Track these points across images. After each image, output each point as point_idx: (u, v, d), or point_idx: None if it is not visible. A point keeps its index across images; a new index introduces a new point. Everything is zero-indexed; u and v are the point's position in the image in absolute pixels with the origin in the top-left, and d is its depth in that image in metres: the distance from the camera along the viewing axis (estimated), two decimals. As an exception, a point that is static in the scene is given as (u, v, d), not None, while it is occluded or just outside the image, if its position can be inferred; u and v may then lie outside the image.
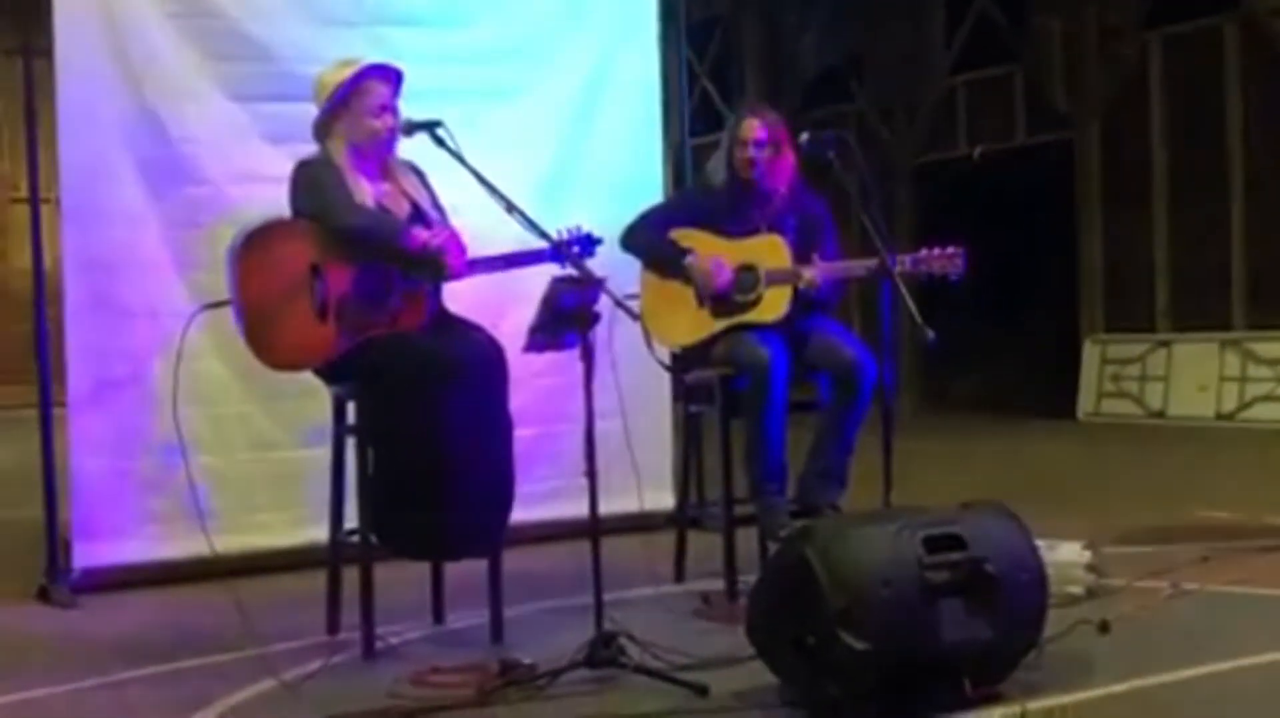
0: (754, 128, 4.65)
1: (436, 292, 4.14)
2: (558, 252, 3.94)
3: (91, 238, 4.96)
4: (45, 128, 4.87)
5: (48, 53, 4.88)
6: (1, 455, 8.25)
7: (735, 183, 4.70)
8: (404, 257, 3.98)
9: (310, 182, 4.03)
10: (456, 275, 4.06)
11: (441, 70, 5.31)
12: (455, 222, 4.18)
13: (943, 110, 12.40)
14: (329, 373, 4.08)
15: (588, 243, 4.13)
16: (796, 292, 4.57)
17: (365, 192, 4.07)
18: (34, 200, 4.91)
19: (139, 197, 5.04)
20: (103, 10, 4.96)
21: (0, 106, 12.97)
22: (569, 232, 4.08)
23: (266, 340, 3.92)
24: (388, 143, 4.14)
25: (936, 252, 4.46)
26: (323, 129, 4.13)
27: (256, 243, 3.94)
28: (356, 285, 3.97)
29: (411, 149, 4.18)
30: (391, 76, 4.16)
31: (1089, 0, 11.00)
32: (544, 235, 3.91)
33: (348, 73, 4.10)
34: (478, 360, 3.99)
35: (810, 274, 4.50)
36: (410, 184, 4.21)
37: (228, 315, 3.97)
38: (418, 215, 4.15)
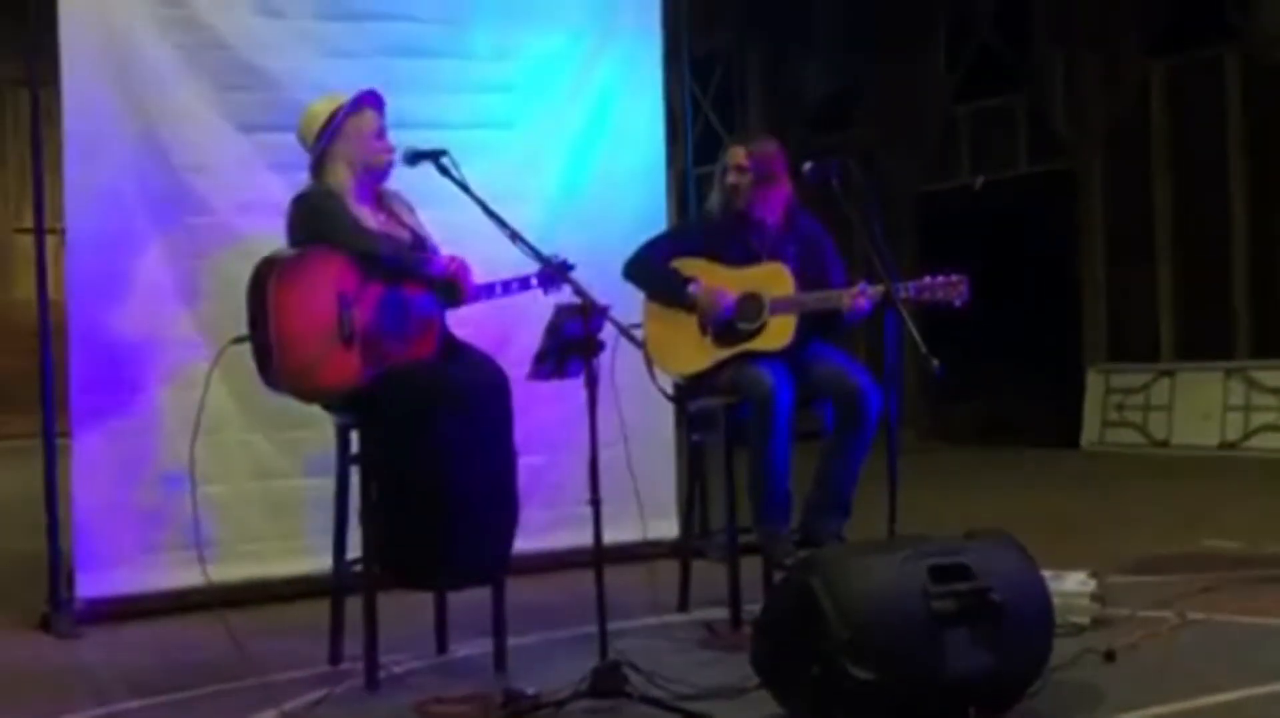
0: (737, 155, 4.69)
1: (444, 319, 4.16)
2: (546, 278, 3.95)
3: (96, 268, 4.97)
4: (51, 158, 4.89)
5: (54, 83, 4.90)
6: (5, 485, 8.24)
7: (731, 212, 4.72)
8: (431, 281, 4.01)
9: (319, 213, 4.04)
10: (468, 299, 4.10)
11: (445, 100, 5.35)
12: (454, 251, 4.19)
13: (945, 139, 12.43)
14: (334, 402, 4.07)
15: (562, 268, 4.12)
16: (801, 319, 4.58)
17: (370, 221, 4.09)
18: (39, 230, 4.92)
19: (144, 226, 5.05)
20: (108, 41, 4.98)
21: (6, 137, 13.02)
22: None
23: (300, 371, 3.89)
24: (386, 170, 4.17)
25: (940, 279, 4.46)
26: (324, 158, 4.13)
27: (288, 272, 3.92)
28: (380, 313, 3.99)
29: (413, 178, 4.19)
30: (380, 103, 4.18)
31: (1091, 30, 11.03)
32: (546, 263, 3.92)
33: (342, 100, 4.12)
34: (483, 388, 3.99)
35: (850, 298, 4.49)
36: (405, 214, 4.24)
37: (234, 347, 3.96)
38: (418, 244, 4.17)
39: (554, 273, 3.93)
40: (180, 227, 5.10)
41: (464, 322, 4.26)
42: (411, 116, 4.23)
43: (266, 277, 3.90)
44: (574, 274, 3.98)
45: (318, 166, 4.14)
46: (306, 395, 4.03)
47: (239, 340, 3.98)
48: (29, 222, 4.97)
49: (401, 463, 3.89)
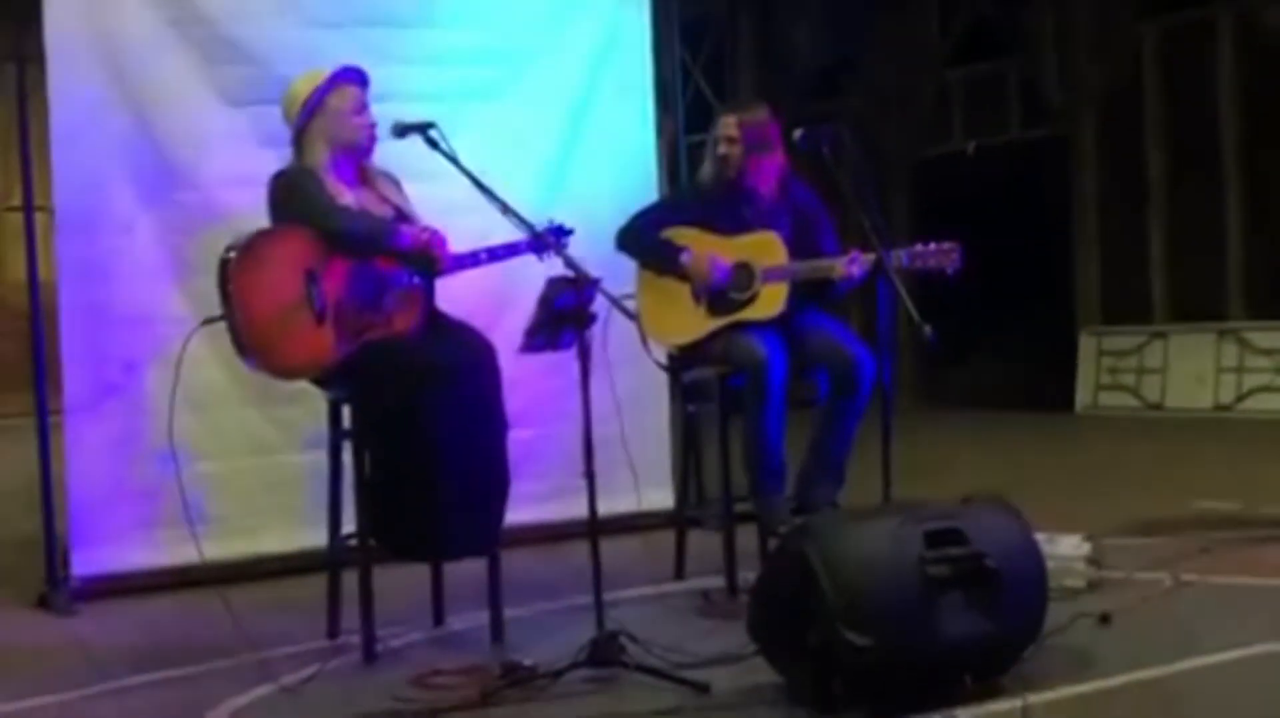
0: (729, 124, 4.68)
1: (430, 292, 4.14)
2: (537, 244, 3.94)
3: (86, 245, 4.95)
4: (38, 135, 4.87)
5: (39, 59, 4.87)
6: (0, 465, 8.24)
7: (722, 181, 4.71)
8: (398, 254, 3.99)
9: (292, 190, 4.03)
10: (446, 270, 4.06)
11: (432, 71, 5.32)
12: (446, 223, 4.17)
13: (938, 106, 12.40)
14: (325, 378, 4.07)
15: (559, 233, 4.12)
16: (794, 288, 4.58)
17: (346, 198, 4.08)
18: (28, 209, 4.91)
19: (133, 203, 5.03)
20: (94, 17, 4.95)
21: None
22: (545, 226, 4.09)
23: (272, 351, 3.90)
24: (367, 146, 4.15)
25: (933, 246, 4.46)
26: (302, 136, 4.11)
27: (248, 254, 3.90)
28: (351, 288, 3.97)
29: (402, 150, 4.17)
30: (363, 79, 4.16)
31: (1083, -7, 11.00)
32: (536, 234, 3.91)
33: (323, 77, 4.10)
34: (469, 361, 3.99)
35: (842, 266, 4.48)
36: (389, 190, 4.22)
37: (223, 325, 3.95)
38: (400, 219, 4.15)
39: (541, 239, 3.92)
40: (169, 203, 5.08)
41: (457, 296, 4.25)
42: (397, 88, 4.20)
43: (228, 260, 3.89)
44: (565, 245, 3.98)
45: (297, 144, 4.13)
46: (278, 374, 4.02)
47: (210, 321, 3.97)
48: (17, 200, 4.94)
49: (392, 437, 3.90)
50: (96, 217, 4.97)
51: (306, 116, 4.09)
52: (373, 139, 4.13)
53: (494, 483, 4.01)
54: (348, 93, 4.11)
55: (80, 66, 4.92)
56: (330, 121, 4.09)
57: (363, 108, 4.12)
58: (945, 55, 12.37)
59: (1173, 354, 10.38)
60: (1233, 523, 5.32)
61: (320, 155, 4.09)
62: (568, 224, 4.12)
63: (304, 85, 4.12)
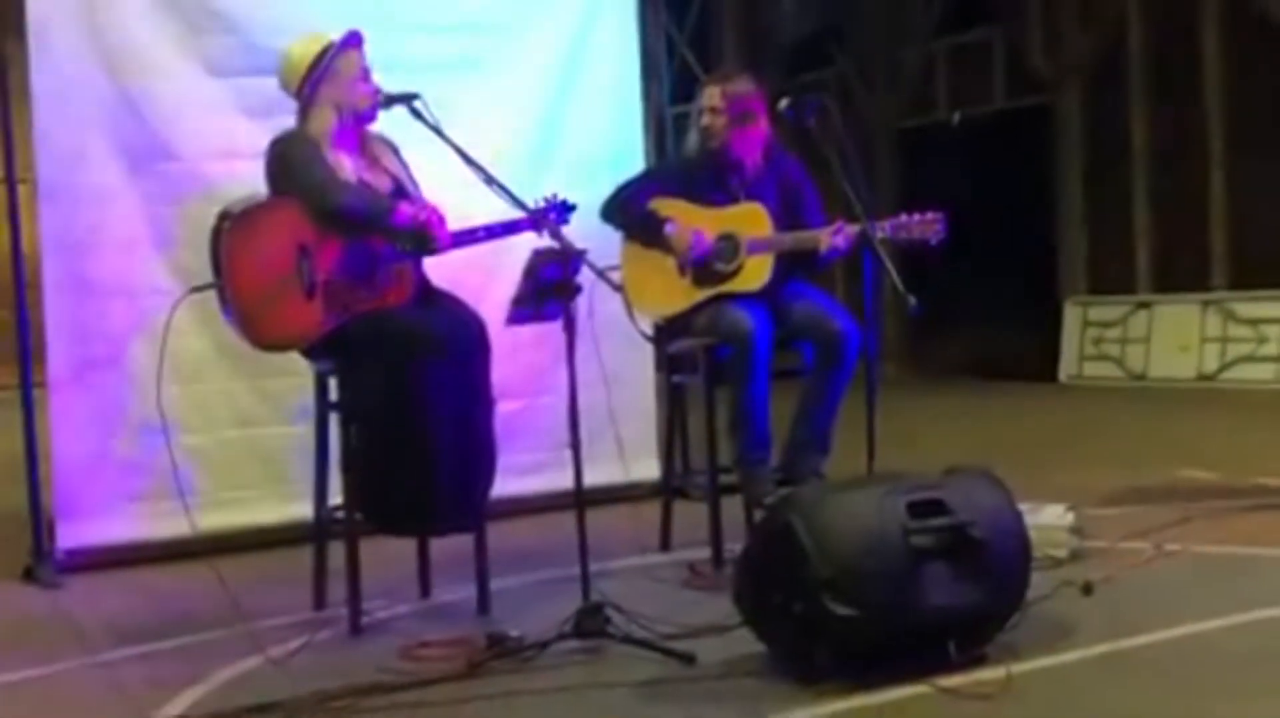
0: (713, 95, 4.68)
1: (420, 266, 4.13)
2: (536, 221, 3.93)
3: (69, 217, 4.93)
4: (20, 107, 4.83)
5: (20, 31, 4.83)
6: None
7: (706, 152, 4.70)
8: (394, 232, 3.97)
9: (290, 159, 4.00)
10: (442, 249, 4.05)
11: (417, 42, 5.28)
12: (431, 196, 4.16)
13: (923, 75, 12.37)
14: (313, 350, 4.06)
15: (563, 209, 4.12)
16: (779, 259, 4.58)
17: (346, 167, 4.05)
18: (10, 181, 4.88)
19: (116, 175, 5.01)
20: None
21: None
22: (545, 199, 4.08)
23: (255, 322, 3.89)
24: (370, 113, 4.12)
25: (916, 217, 4.46)
26: (311, 102, 4.06)
27: (242, 225, 3.89)
28: (343, 263, 3.95)
29: (389, 122, 4.16)
30: (362, 44, 4.13)
31: (1067, -37, 10.97)
32: (523, 208, 3.91)
33: (326, 41, 4.07)
34: (459, 335, 3.98)
35: (827, 237, 4.48)
36: (387, 158, 4.20)
37: (212, 295, 3.94)
38: (398, 190, 4.14)
39: (537, 214, 3.91)
40: (152, 174, 5.06)
41: (441, 267, 4.24)
42: (381, 59, 4.17)
43: (221, 229, 3.88)
44: (567, 222, 3.98)
45: (304, 110, 4.09)
46: (264, 346, 4.01)
47: (197, 289, 3.96)
48: (0, 172, 4.92)
49: (380, 410, 3.89)
50: (79, 188, 4.94)
51: (315, 83, 4.04)
52: (377, 105, 4.09)
53: (482, 458, 4.00)
54: (353, 58, 4.08)
55: (62, 37, 4.89)
56: (339, 87, 4.05)
57: (367, 73, 4.10)
58: (930, 25, 12.34)
59: (1157, 324, 10.40)
60: (1215, 492, 5.35)
61: (328, 122, 4.05)
62: (568, 199, 4.12)
63: (304, 51, 4.06)
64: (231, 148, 4.99)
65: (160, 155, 5.07)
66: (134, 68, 5.01)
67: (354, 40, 4.10)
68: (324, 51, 4.05)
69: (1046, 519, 4.26)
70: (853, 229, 4.42)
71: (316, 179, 3.95)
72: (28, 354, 4.84)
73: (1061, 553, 4.23)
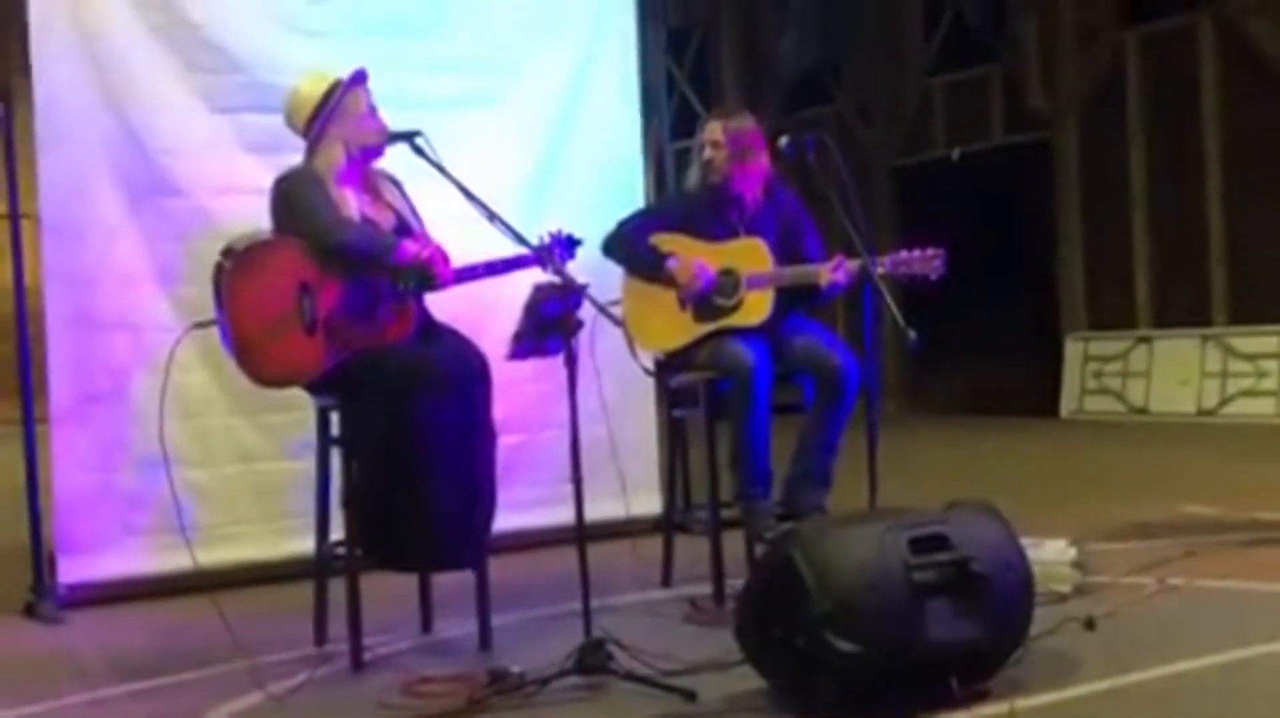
0: (714, 131, 4.70)
1: (422, 302, 4.14)
2: (540, 257, 3.95)
3: (72, 252, 4.94)
4: (24, 143, 4.86)
5: (24, 69, 4.86)
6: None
7: (707, 187, 4.73)
8: (396, 270, 3.98)
9: (294, 197, 4.01)
10: (444, 285, 4.06)
11: (418, 80, 5.32)
12: (434, 232, 4.18)
13: (921, 111, 12.44)
14: (315, 385, 4.07)
15: (568, 244, 4.14)
16: (779, 293, 4.59)
17: (350, 204, 4.07)
18: (14, 216, 4.90)
19: (119, 210, 5.03)
20: (80, 24, 4.94)
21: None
22: (550, 235, 4.09)
23: (257, 359, 3.90)
24: (378, 149, 4.14)
25: (916, 253, 4.48)
26: (320, 139, 4.08)
27: (244, 263, 3.91)
28: (345, 300, 3.96)
29: (392, 159, 4.18)
30: (367, 80, 4.16)
31: (1066, 1, 11.04)
32: (526, 244, 3.92)
33: (333, 79, 4.09)
34: (460, 369, 3.99)
35: (827, 272, 4.49)
36: (391, 194, 4.22)
37: (214, 331, 3.96)
38: (402, 226, 4.15)
39: (541, 251, 3.92)
40: (155, 210, 5.08)
41: (443, 302, 4.25)
42: (382, 96, 4.20)
43: (223, 266, 3.90)
44: (573, 257, 4.00)
45: (313, 148, 4.11)
46: (266, 382, 4.01)
47: (200, 325, 3.98)
48: (3, 207, 4.94)
49: (381, 446, 3.89)
50: (83, 223, 4.96)
51: (324, 120, 4.07)
52: (383, 142, 4.12)
53: (482, 493, 4.00)
54: (361, 95, 4.11)
55: (66, 73, 4.92)
56: (347, 124, 4.07)
57: (374, 110, 4.12)
58: (929, 61, 12.42)
59: (1157, 359, 10.42)
60: (1217, 527, 5.35)
61: (336, 158, 4.07)
62: (573, 234, 4.14)
63: (312, 89, 4.09)
64: (233, 183, 5.01)
65: (162, 190, 5.09)
66: (137, 103, 5.04)
67: (360, 78, 4.13)
68: (332, 89, 4.08)
69: (1049, 554, 4.26)
70: (853, 264, 4.44)
71: (320, 217, 3.97)
72: (29, 388, 4.84)
73: (1064, 588, 4.22)
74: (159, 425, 4.01)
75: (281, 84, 4.24)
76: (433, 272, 4.00)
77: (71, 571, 4.91)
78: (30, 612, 4.81)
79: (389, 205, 4.18)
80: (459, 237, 4.16)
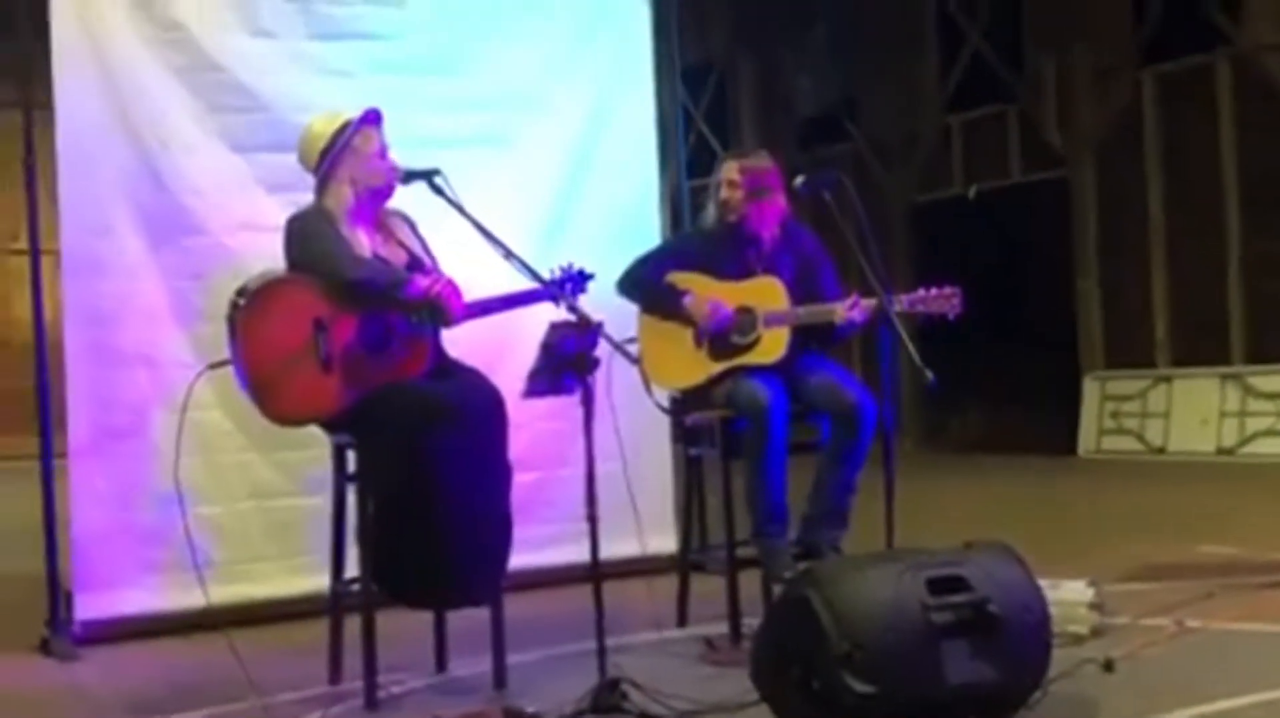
0: (731, 169, 4.72)
1: (437, 338, 4.15)
2: (552, 292, 3.96)
3: (92, 289, 4.97)
4: (45, 180, 4.89)
5: (47, 105, 4.90)
6: (3, 507, 8.22)
7: (724, 226, 4.74)
8: (408, 305, 3.99)
9: (306, 235, 4.04)
10: (457, 320, 4.08)
11: (437, 119, 5.35)
12: (449, 270, 4.19)
13: (938, 150, 12.46)
14: (331, 422, 4.08)
15: (580, 279, 4.15)
16: (795, 332, 4.59)
17: (362, 243, 4.09)
18: (34, 252, 4.93)
19: (139, 248, 5.06)
20: (102, 63, 4.99)
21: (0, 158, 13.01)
22: (561, 269, 4.11)
23: (273, 397, 3.92)
24: (387, 190, 4.16)
25: (934, 292, 4.48)
26: (329, 178, 4.11)
27: (258, 301, 3.93)
28: (360, 336, 3.98)
29: (407, 196, 4.20)
30: (381, 121, 4.18)
31: (1082, 39, 11.07)
32: (540, 281, 3.93)
33: (345, 118, 4.12)
34: (477, 407, 3.99)
35: (844, 311, 4.50)
36: (403, 233, 4.24)
37: (230, 369, 3.97)
38: (414, 264, 4.17)
39: (553, 286, 3.93)
40: (175, 248, 5.10)
41: (458, 339, 4.26)
42: (403, 135, 4.23)
43: (237, 305, 3.92)
44: (585, 291, 4.00)
45: (322, 186, 4.14)
46: (282, 420, 4.02)
47: (216, 365, 4.00)
48: (24, 243, 4.97)
49: (397, 482, 3.89)
50: (103, 260, 4.99)
51: (333, 159, 4.10)
52: (393, 182, 4.14)
53: (497, 531, 4.00)
54: (373, 135, 4.14)
55: (87, 111, 4.95)
56: (356, 164, 4.10)
57: (384, 151, 4.15)
58: (945, 100, 12.45)
59: (1176, 398, 10.38)
60: (1237, 568, 5.31)
61: (345, 198, 4.10)
62: (584, 268, 4.15)
63: (324, 127, 4.12)
64: (253, 221, 5.04)
65: (183, 229, 5.11)
66: (159, 142, 5.07)
67: (372, 118, 4.15)
68: (342, 128, 4.10)
69: (1067, 595, 4.23)
70: (869, 303, 4.44)
71: (331, 255, 3.99)
72: (48, 424, 4.86)
73: (1082, 630, 4.19)
74: (175, 463, 4.02)
75: (302, 123, 4.27)
76: (444, 305, 4.01)
77: (88, 607, 4.90)
78: (45, 648, 4.81)
79: (401, 243, 4.20)
80: (473, 275, 4.17)
